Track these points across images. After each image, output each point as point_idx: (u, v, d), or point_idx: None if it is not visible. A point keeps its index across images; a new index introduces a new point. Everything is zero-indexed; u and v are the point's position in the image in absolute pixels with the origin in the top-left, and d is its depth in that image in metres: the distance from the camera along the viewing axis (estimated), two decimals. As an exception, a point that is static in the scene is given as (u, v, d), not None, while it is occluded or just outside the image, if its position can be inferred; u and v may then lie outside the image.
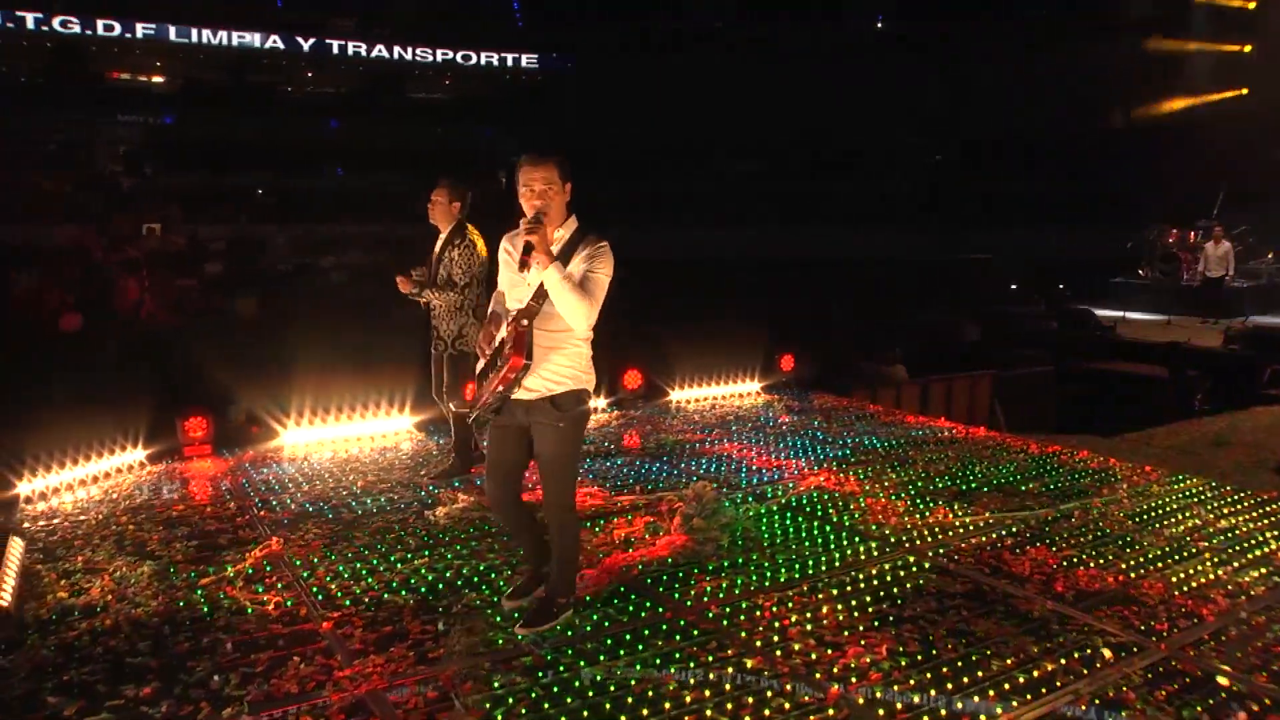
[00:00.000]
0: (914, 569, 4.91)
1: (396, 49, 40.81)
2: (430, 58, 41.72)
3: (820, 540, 5.32)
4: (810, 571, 4.87)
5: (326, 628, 4.28)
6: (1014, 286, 21.16)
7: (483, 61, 42.25)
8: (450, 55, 41.87)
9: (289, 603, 4.56)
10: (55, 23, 34.07)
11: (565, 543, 4.24)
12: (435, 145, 36.71)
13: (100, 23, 34.96)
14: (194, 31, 36.67)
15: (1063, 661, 3.89)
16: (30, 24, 33.93)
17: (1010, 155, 32.32)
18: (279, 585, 4.78)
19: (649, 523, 5.57)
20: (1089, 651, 3.98)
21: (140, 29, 35.71)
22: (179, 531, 5.60)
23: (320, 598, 4.61)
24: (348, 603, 4.55)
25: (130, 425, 7.15)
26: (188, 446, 7.23)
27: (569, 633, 4.19)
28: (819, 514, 5.79)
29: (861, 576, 4.80)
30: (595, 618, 4.33)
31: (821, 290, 18.12)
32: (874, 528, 5.54)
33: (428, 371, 6.58)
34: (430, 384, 6.54)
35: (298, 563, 5.08)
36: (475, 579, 4.80)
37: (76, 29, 34.58)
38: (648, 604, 4.48)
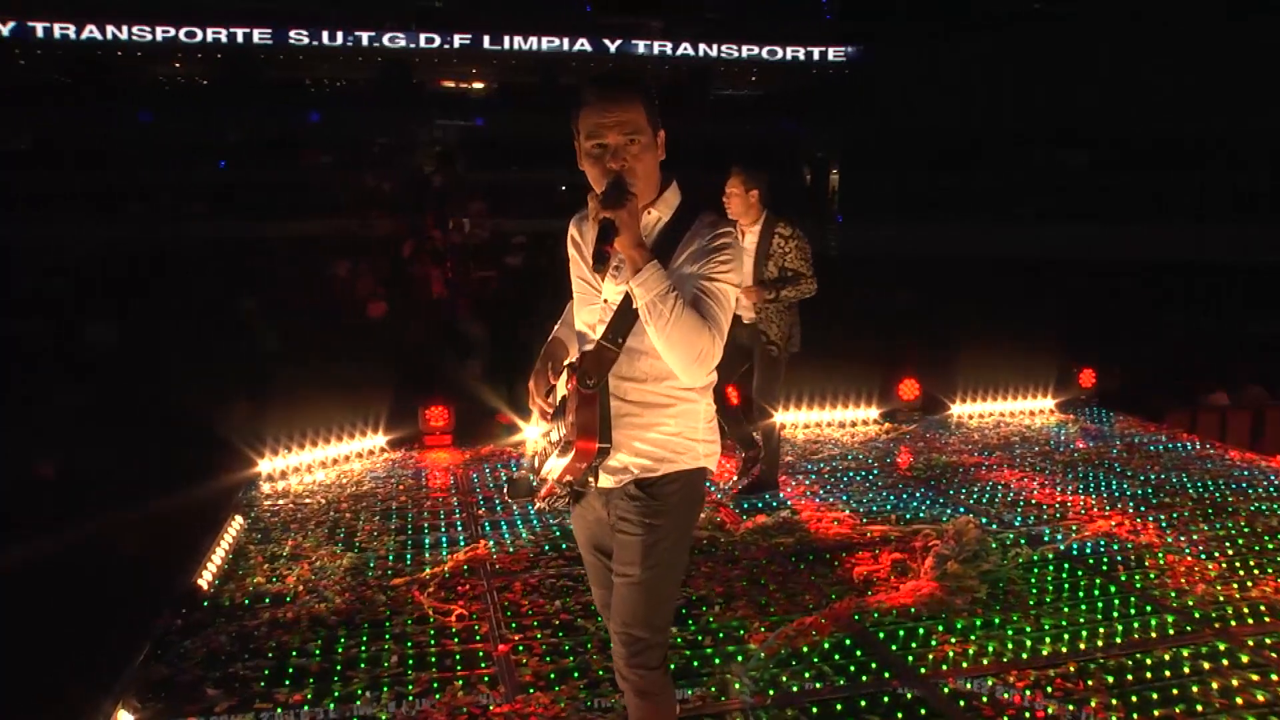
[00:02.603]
0: (1223, 660, 3.79)
1: (702, 46, 41.21)
2: (736, 54, 41.81)
3: (1101, 605, 4.29)
4: (1082, 646, 3.89)
5: (501, 651, 3.91)
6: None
7: (788, 56, 41.79)
8: (756, 51, 41.76)
9: (473, 616, 4.24)
10: (385, 38, 37.43)
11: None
12: (738, 141, 36.76)
13: (422, 36, 38.02)
14: (506, 39, 38.93)
15: None
16: (365, 41, 37.51)
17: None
18: (470, 595, 4.48)
19: (897, 561, 4.81)
20: None
21: (457, 39, 38.46)
22: (391, 524, 5.47)
23: (507, 614, 4.27)
24: (534, 624, 4.15)
25: (387, 409, 7.24)
26: (427, 436, 7.19)
27: (771, 691, 3.59)
28: (1104, 569, 4.73)
29: (1149, 661, 3.77)
30: (807, 675, 3.66)
31: (1142, 294, 16.07)
32: (1173, 596, 4.41)
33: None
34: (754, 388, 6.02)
35: (499, 571, 4.77)
36: (683, 610, 4.30)
37: (401, 42, 37.83)
38: (873, 665, 3.76)
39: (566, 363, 2.51)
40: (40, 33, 35.28)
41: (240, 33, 36.63)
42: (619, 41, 40.04)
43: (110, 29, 35.51)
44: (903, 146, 32.53)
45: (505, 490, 5.86)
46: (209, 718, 3.46)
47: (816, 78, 42.37)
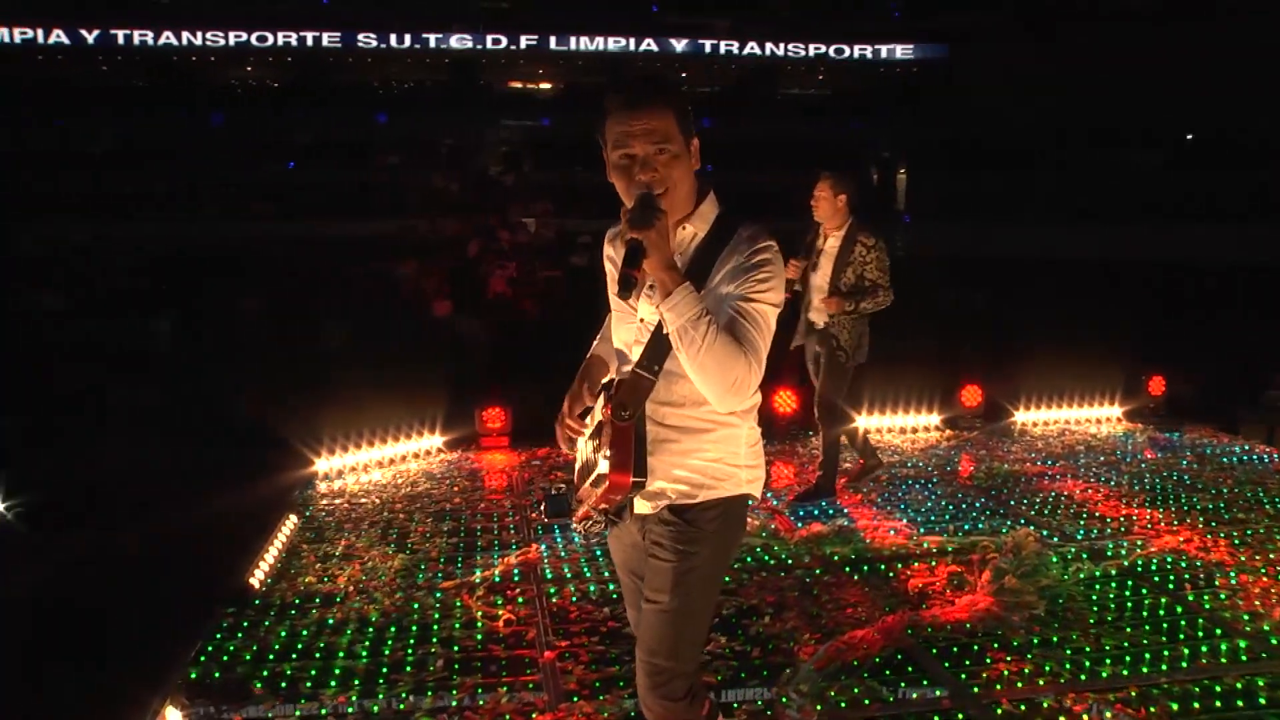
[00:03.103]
0: (1301, 689, 3.62)
1: (769, 46, 40.98)
2: (803, 53, 41.51)
3: (1166, 626, 4.12)
4: (1145, 670, 3.73)
5: (548, 658, 3.88)
6: None
7: (856, 54, 41.37)
8: (823, 50, 41.42)
9: (521, 621, 4.22)
10: (452, 40, 37.81)
11: None
12: (805, 140, 36.54)
13: (489, 37, 38.32)
14: (573, 40, 39.08)
15: None
16: (432, 43, 37.93)
17: None
18: (519, 599, 4.46)
19: (953, 574, 4.69)
20: None
21: (524, 40, 38.72)
22: (444, 526, 5.48)
23: (556, 620, 4.23)
24: (582, 631, 4.11)
25: (444, 410, 7.27)
26: (484, 437, 7.20)
27: (819, 706, 3.50)
28: (1170, 588, 4.54)
29: (1218, 689, 3.59)
30: (856, 691, 3.58)
31: (1218, 298, 15.52)
32: (1246, 619, 4.20)
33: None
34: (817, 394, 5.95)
35: (549, 575, 4.75)
36: (733, 619, 4.23)
37: (469, 44, 38.17)
38: (924, 683, 3.65)
39: (604, 381, 2.44)
40: (121, 39, 36.34)
41: (310, 36, 37.32)
42: (685, 41, 39.97)
43: (185, 34, 36.48)
44: (972, 145, 32.03)
45: (542, 509, 5.85)
46: (255, 717, 3.48)
47: (884, 76, 41.91)
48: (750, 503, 2.44)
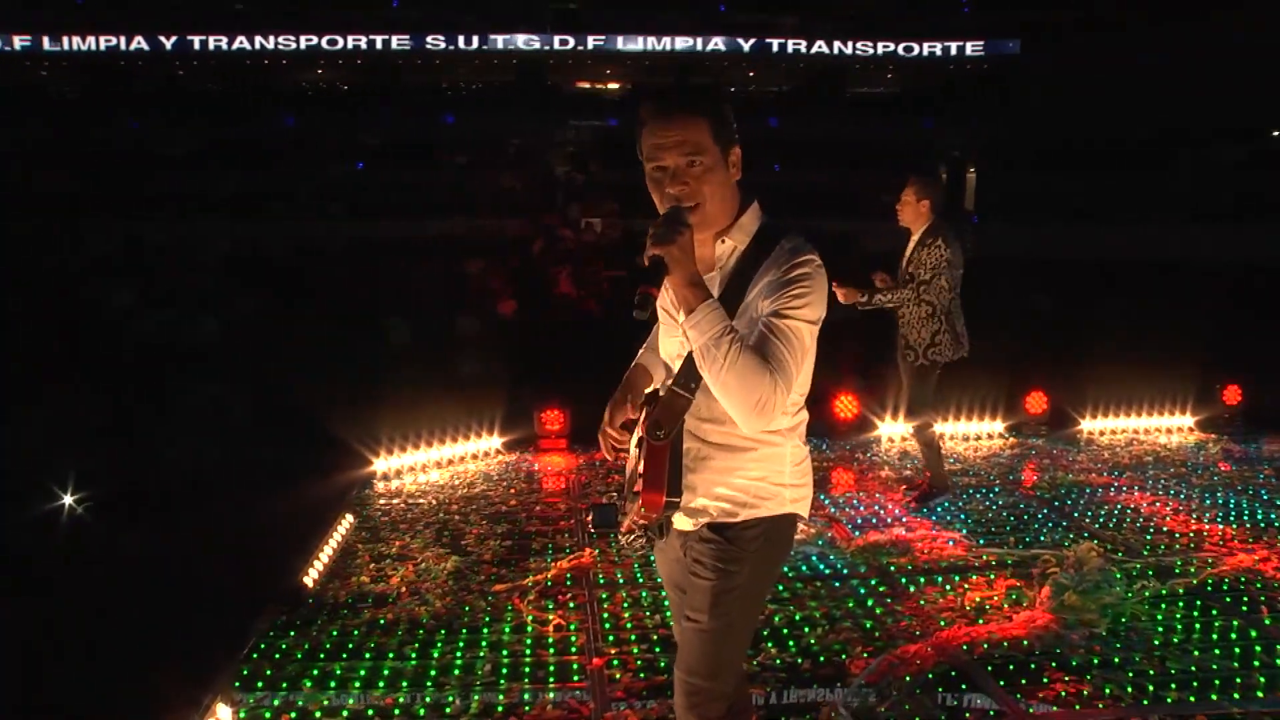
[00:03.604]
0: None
1: (837, 44, 40.57)
2: (871, 51, 41.01)
3: (1239, 652, 3.94)
4: (1214, 697, 3.58)
5: (596, 665, 3.86)
6: None
7: (925, 52, 40.76)
8: (892, 48, 40.87)
9: (572, 626, 4.21)
10: (520, 41, 38.09)
11: None
12: (873, 139, 36.17)
13: (556, 38, 38.51)
14: (640, 40, 39.09)
15: None
16: (500, 45, 38.25)
17: None
18: (571, 604, 4.45)
19: (1012, 588, 4.57)
20: None
21: (591, 41, 38.82)
22: (499, 528, 5.49)
23: (606, 626, 4.22)
24: (633, 637, 4.09)
25: (502, 411, 7.31)
26: (543, 439, 7.22)
27: (868, 721, 3.43)
28: (1243, 610, 4.35)
29: (1295, 719, 3.45)
30: (907, 707, 3.50)
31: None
32: (1328, 645, 4.01)
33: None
34: (902, 397, 5.97)
35: (601, 580, 4.73)
36: (784, 630, 4.17)
37: (536, 45, 38.40)
38: (977, 701, 3.57)
39: (647, 393, 2.42)
40: (197, 45, 37.30)
41: (379, 39, 37.87)
42: (752, 40, 39.75)
43: (258, 39, 37.28)
44: (1043, 144, 31.37)
45: (589, 518, 5.85)
46: (305, 715, 3.51)
47: (954, 73, 41.24)
48: (799, 523, 2.38)
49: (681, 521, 2.31)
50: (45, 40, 37.05)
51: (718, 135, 2.13)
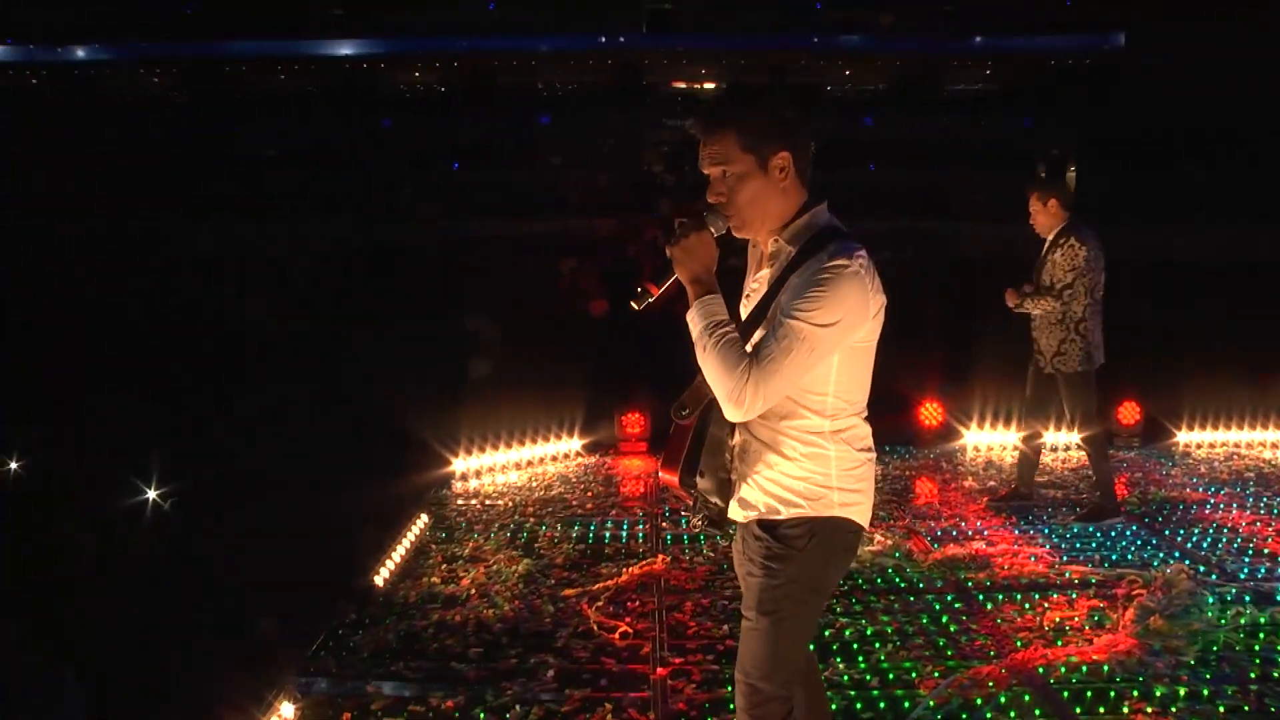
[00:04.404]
0: None
1: (933, 40, 39.76)
2: (968, 47, 40.10)
3: (1342, 684, 3.71)
4: (1311, 732, 3.40)
5: (660, 675, 3.82)
6: None
7: (1024, 46, 39.66)
8: (990, 43, 39.89)
9: (638, 635, 4.18)
10: (619, 39, 38.30)
11: None
12: (969, 138, 35.41)
13: (653, 38, 38.60)
14: (735, 38, 38.91)
15: None
16: (596, 45, 38.48)
17: None
18: (638, 612, 4.42)
19: (1095, 609, 4.38)
20: None
21: (687, 40, 38.78)
22: (573, 531, 5.50)
23: (673, 636, 4.17)
24: (698, 648, 4.04)
25: (585, 413, 7.34)
26: (623, 442, 7.21)
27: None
28: (1350, 641, 4.09)
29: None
30: (977, 730, 3.40)
31: None
32: None
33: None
34: (1026, 403, 5.84)
35: (672, 589, 4.69)
36: (854, 644, 4.07)
37: (632, 45, 38.52)
38: (1053, 728, 3.43)
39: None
40: (298, 50, 38.31)
41: (475, 42, 38.38)
42: (848, 37, 39.22)
43: (355, 43, 38.11)
44: (1148, 142, 30.24)
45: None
46: (366, 714, 3.55)
47: (1054, 69, 40.05)
48: (857, 530, 2.39)
49: (735, 512, 2.41)
50: (149, 47, 38.33)
51: (748, 145, 2.25)
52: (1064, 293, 5.27)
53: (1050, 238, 5.38)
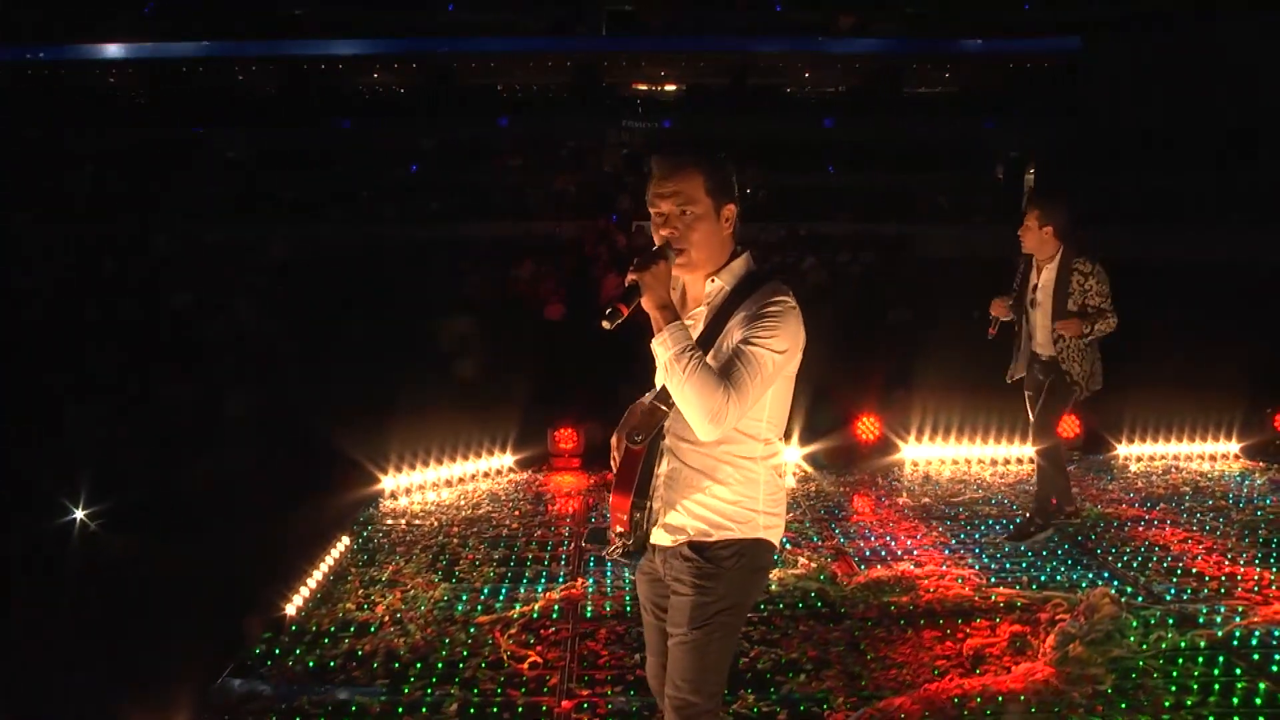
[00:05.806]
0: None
1: (893, 42, 39.88)
2: (929, 49, 40.24)
3: (1264, 719, 3.62)
4: (1227, 772, 3.31)
5: (564, 708, 3.70)
6: None
7: (983, 49, 39.84)
8: (949, 45, 40.05)
9: (548, 664, 4.07)
10: (574, 42, 38.17)
11: None
12: (930, 140, 35.55)
13: (612, 39, 38.51)
14: (696, 40, 38.90)
15: None
16: (555, 46, 38.34)
17: None
18: (551, 640, 4.30)
19: (1017, 635, 4.29)
20: None
21: (647, 42, 38.75)
22: (496, 554, 5.38)
23: (584, 665, 4.06)
24: (608, 679, 3.93)
25: (520, 428, 7.15)
26: (556, 458, 7.07)
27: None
28: (1273, 670, 4.00)
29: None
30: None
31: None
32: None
33: None
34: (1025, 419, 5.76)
35: (589, 614, 4.56)
36: (767, 674, 3.94)
37: (591, 46, 38.43)
38: (961, 763, 3.32)
39: (640, 402, 2.61)
40: (256, 50, 37.81)
41: (435, 42, 38.02)
42: (808, 39, 39.22)
43: (315, 43, 37.67)
44: (1107, 145, 30.40)
45: (584, 538, 5.70)
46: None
47: (1013, 71, 40.28)
48: (775, 550, 2.57)
49: (660, 537, 2.52)
50: (111, 48, 37.80)
51: (711, 190, 2.41)
52: (1106, 315, 5.20)
53: (1055, 265, 5.26)
